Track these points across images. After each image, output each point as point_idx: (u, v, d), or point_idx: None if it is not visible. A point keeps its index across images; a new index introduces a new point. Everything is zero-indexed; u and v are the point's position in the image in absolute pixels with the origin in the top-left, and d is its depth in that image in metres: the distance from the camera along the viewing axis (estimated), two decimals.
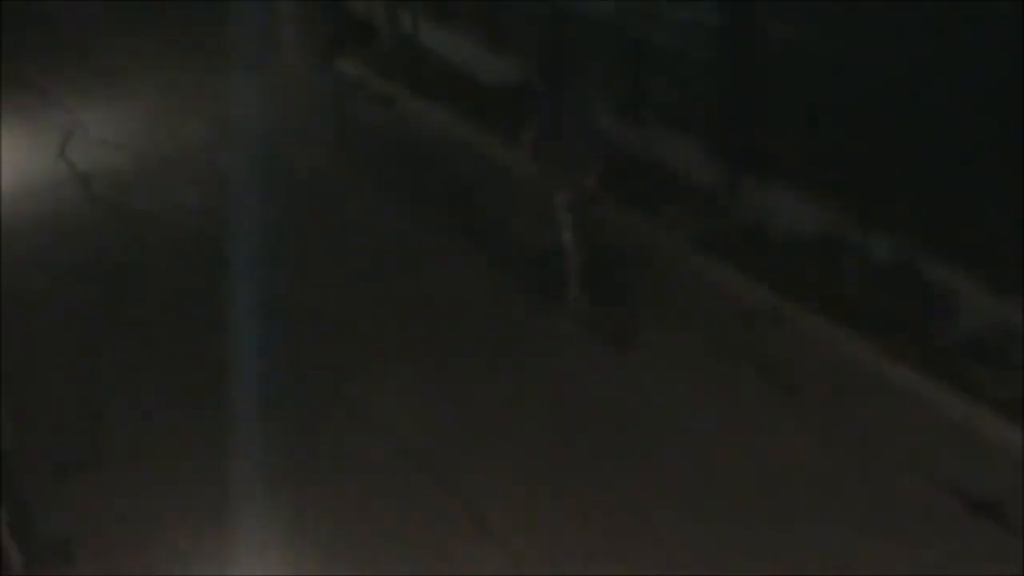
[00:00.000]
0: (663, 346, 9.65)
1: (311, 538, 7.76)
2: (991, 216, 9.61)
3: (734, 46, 11.28)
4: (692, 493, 8.03)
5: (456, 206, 11.94)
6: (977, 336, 9.08)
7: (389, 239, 11.63)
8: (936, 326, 9.28)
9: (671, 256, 10.86)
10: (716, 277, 10.48)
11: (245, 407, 8.98)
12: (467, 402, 9.11)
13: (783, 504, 7.87)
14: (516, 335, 9.89)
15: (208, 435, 8.84)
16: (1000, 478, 7.87)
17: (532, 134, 9.55)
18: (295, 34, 15.67)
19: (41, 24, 17.52)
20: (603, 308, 10.08)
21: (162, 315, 10.57)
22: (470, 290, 10.64)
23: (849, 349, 9.33)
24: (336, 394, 9.27)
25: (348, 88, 14.84)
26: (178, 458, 8.66)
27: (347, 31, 15.60)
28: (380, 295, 10.69)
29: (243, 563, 7.58)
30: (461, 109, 13.64)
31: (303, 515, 7.96)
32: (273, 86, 15.09)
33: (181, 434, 8.93)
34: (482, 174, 12.37)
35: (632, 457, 8.41)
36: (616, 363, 9.49)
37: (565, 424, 8.80)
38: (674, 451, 8.47)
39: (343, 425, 8.90)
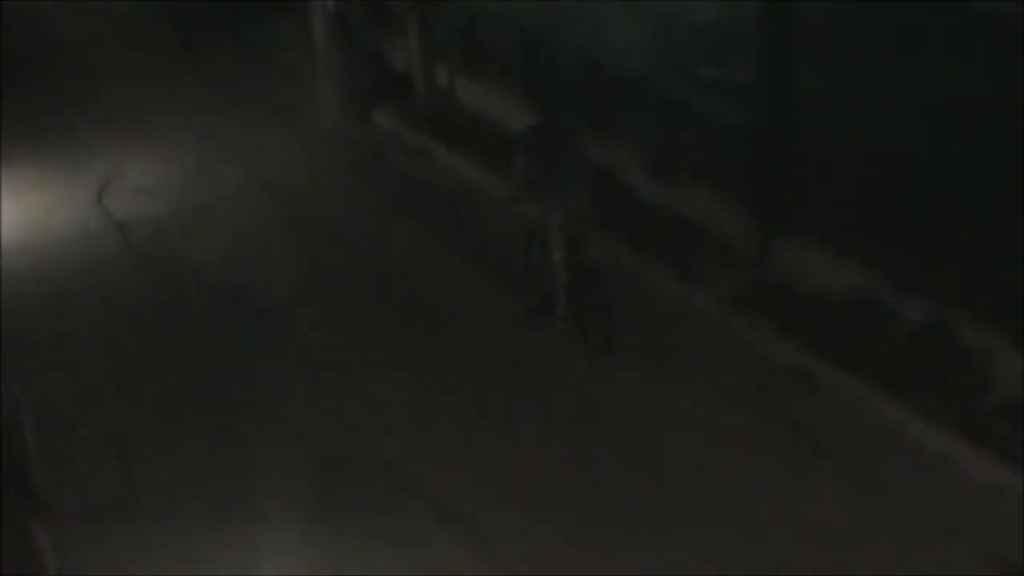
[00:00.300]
0: (687, 402, 9.64)
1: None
2: None
3: (768, 105, 11.30)
4: (714, 548, 8.00)
5: (479, 248, 12.10)
6: (1011, 399, 9.02)
7: (409, 278, 11.84)
8: (970, 389, 9.22)
9: (701, 313, 10.84)
10: (746, 335, 10.45)
11: (275, 449, 9.24)
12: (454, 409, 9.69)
13: (812, 566, 7.80)
14: (511, 347, 10.57)
15: (240, 478, 8.92)
16: None
17: (524, 165, 10.16)
18: (333, 86, 15.83)
19: (83, 75, 17.75)
20: (631, 367, 10.10)
21: (193, 360, 10.65)
22: (477, 310, 11.10)
23: (881, 411, 9.28)
24: (348, 410, 9.66)
25: (384, 140, 14.96)
26: (209, 501, 8.73)
27: (384, 84, 15.77)
28: (395, 328, 10.95)
29: None
30: (493, 163, 13.68)
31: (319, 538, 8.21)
32: (309, 136, 15.25)
33: (213, 478, 8.99)
34: (507, 220, 12.40)
35: (645, 505, 8.44)
36: (636, 414, 9.49)
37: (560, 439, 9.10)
38: (694, 505, 8.44)
39: (352, 444, 9.25)
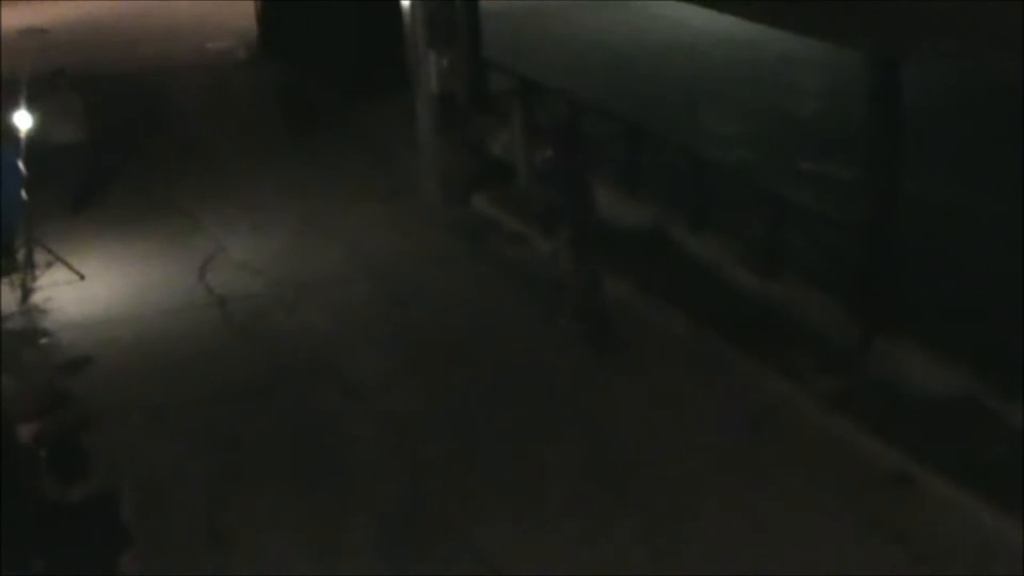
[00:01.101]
0: (783, 501, 9.48)
1: None
2: None
3: (872, 202, 11.22)
4: None
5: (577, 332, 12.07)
6: None
7: (506, 361, 11.83)
8: None
9: (800, 411, 10.69)
10: (845, 435, 10.27)
11: (364, 526, 9.29)
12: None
13: None
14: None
15: (326, 555, 8.99)
16: None
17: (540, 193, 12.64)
18: (435, 171, 16.02)
19: (190, 153, 18.15)
20: (728, 465, 9.98)
21: (286, 435, 10.74)
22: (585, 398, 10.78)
23: (986, 519, 9.03)
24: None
25: (483, 224, 15.06)
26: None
27: (485, 170, 15.92)
28: (484, 408, 11.01)
29: None
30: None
31: None
32: (410, 219, 15.40)
33: (304, 559, 9.00)
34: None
35: None
36: (733, 514, 9.35)
37: None
38: None
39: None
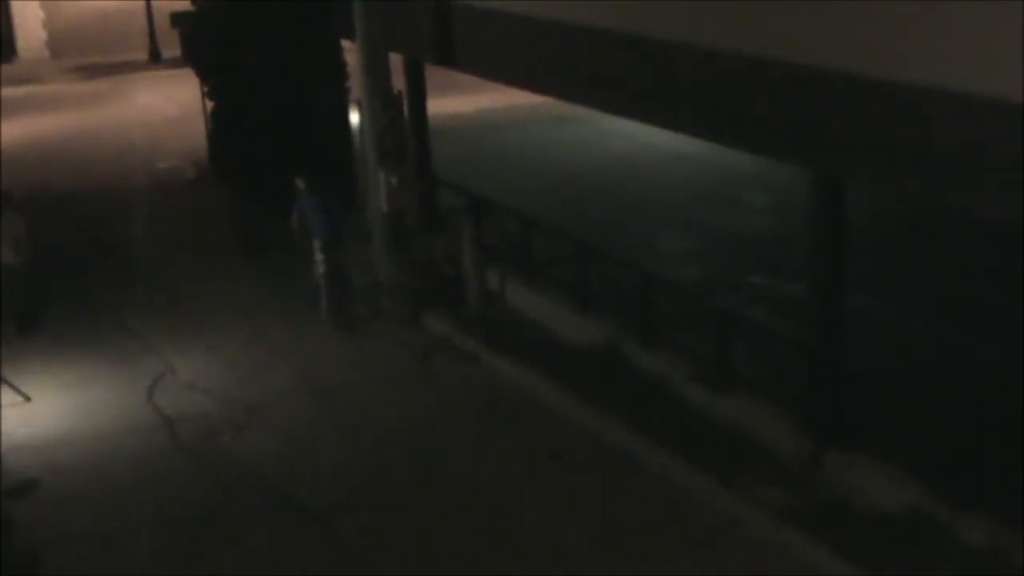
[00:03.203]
0: None
1: None
2: None
3: (821, 318, 11.31)
4: None
5: (529, 454, 11.95)
6: None
7: (458, 483, 11.70)
8: None
9: (751, 527, 10.66)
10: (796, 551, 10.24)
11: None
12: None
13: None
14: None
15: None
16: None
17: (297, 216, 15.82)
18: (386, 290, 16.06)
19: (139, 272, 18.09)
20: None
21: (237, 560, 10.56)
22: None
23: None
24: None
25: (433, 343, 15.04)
26: None
27: (436, 288, 15.95)
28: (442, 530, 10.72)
29: None
30: (544, 368, 13.75)
31: None
32: (360, 339, 15.37)
33: None
34: (553, 434, 12.37)
35: None
36: None
37: None
38: None
39: None
